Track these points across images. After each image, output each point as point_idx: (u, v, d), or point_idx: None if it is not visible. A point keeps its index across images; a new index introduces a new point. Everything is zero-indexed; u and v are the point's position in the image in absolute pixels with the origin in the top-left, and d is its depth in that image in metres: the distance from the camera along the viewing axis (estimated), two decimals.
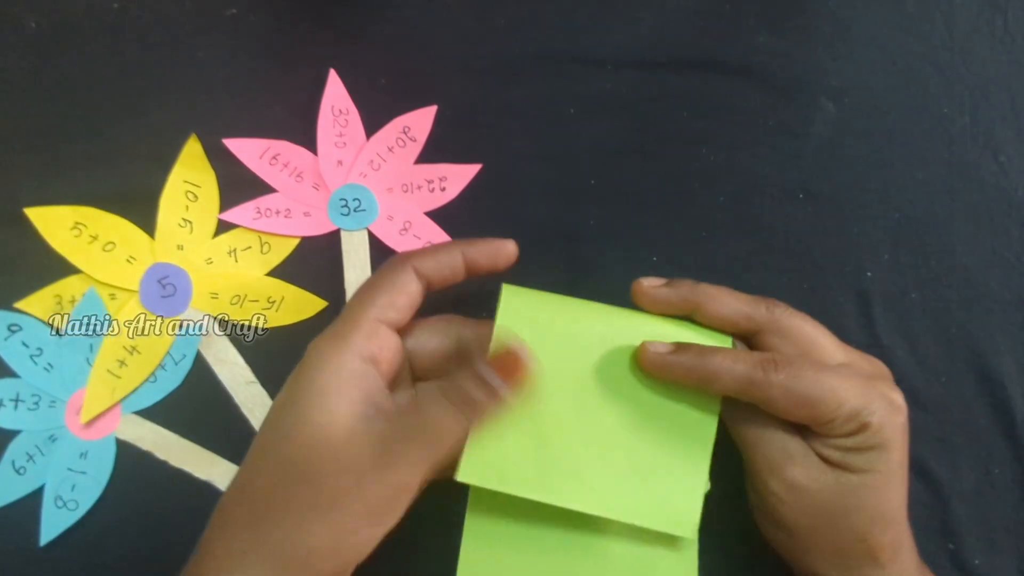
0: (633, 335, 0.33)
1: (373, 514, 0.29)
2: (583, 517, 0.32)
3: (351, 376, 0.30)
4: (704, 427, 0.32)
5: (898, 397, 0.32)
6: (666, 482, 0.32)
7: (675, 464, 0.32)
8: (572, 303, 0.33)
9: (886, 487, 0.31)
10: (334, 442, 0.29)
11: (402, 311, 0.32)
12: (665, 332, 0.33)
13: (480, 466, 0.31)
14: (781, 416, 0.31)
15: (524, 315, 0.32)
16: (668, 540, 0.33)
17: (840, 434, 0.31)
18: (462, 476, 0.31)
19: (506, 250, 0.34)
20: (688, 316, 0.33)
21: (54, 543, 0.38)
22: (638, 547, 0.33)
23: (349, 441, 0.29)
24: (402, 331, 0.33)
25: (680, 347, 0.32)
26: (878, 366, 0.33)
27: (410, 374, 0.34)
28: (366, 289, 0.33)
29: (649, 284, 0.33)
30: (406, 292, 0.32)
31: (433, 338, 0.34)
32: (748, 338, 0.33)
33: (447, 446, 0.30)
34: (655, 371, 0.32)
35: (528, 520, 0.33)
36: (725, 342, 0.33)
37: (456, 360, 0.33)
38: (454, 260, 0.33)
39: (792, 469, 0.31)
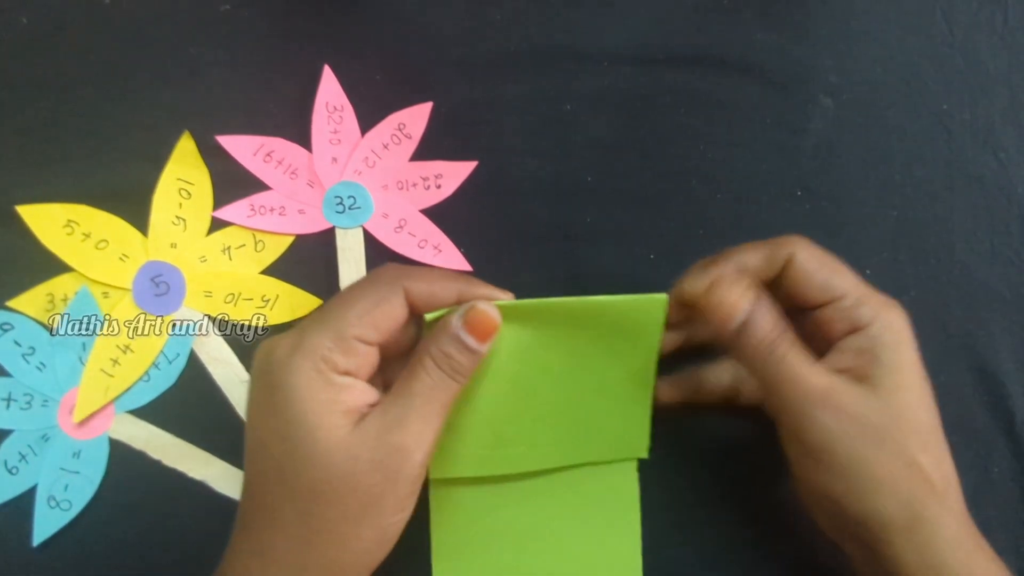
0: (562, 321, 0.34)
1: (400, 504, 0.30)
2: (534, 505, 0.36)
3: (337, 393, 0.30)
4: (644, 370, 0.35)
5: (897, 303, 0.33)
6: (613, 421, 0.35)
7: (619, 404, 0.35)
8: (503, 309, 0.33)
9: (918, 393, 0.32)
10: (352, 452, 0.29)
11: (383, 333, 0.31)
12: (592, 313, 0.33)
13: (443, 462, 0.35)
14: (798, 292, 0.33)
15: None
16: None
17: (849, 322, 0.32)
18: (434, 473, 0.35)
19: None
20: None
21: (47, 543, 0.38)
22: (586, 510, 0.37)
23: (363, 444, 0.29)
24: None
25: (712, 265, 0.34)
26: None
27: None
28: (350, 299, 0.31)
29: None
30: (391, 315, 0.31)
31: (434, 287, 0.32)
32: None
33: (444, 411, 0.31)
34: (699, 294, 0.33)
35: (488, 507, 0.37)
36: (658, 301, 0.33)
37: (431, 330, 0.32)
38: (447, 295, 0.32)
39: (838, 397, 0.31)
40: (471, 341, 0.31)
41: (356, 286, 0.32)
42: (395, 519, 0.31)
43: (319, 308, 0.32)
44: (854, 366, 0.32)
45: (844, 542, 0.33)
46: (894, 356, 0.32)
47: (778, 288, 0.34)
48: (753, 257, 0.34)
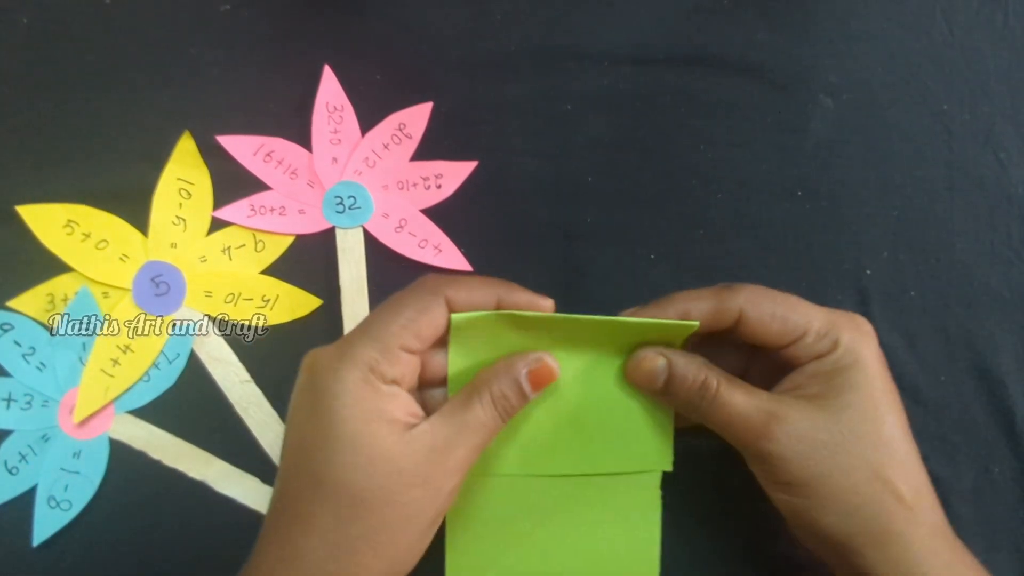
0: (591, 341, 0.34)
1: (435, 517, 0.31)
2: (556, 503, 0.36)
3: (383, 403, 0.30)
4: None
5: (864, 321, 0.33)
6: (636, 432, 0.35)
7: (642, 416, 0.35)
8: (525, 321, 0.33)
9: (876, 408, 0.31)
10: (397, 465, 0.30)
11: (426, 341, 0.32)
12: (620, 331, 0.34)
13: None
14: (758, 338, 0.33)
15: (476, 343, 0.33)
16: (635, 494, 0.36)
17: (814, 355, 0.32)
18: None
19: (541, 308, 0.33)
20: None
21: (47, 543, 0.38)
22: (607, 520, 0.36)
23: (408, 458, 0.30)
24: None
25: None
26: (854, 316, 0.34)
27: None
28: (393, 309, 0.32)
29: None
30: (433, 324, 0.32)
31: (474, 296, 0.33)
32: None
33: (488, 444, 0.32)
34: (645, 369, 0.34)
35: (505, 515, 0.36)
36: (688, 328, 0.33)
37: (495, 365, 0.33)
38: (487, 301, 0.33)
39: (779, 422, 0.31)
40: (528, 389, 0.32)
41: (399, 297, 0.32)
42: (429, 532, 0.31)
43: (363, 320, 0.32)
44: (806, 387, 0.32)
45: (822, 554, 0.33)
46: (850, 375, 0.31)
47: (736, 333, 0.33)
48: (697, 307, 0.33)
